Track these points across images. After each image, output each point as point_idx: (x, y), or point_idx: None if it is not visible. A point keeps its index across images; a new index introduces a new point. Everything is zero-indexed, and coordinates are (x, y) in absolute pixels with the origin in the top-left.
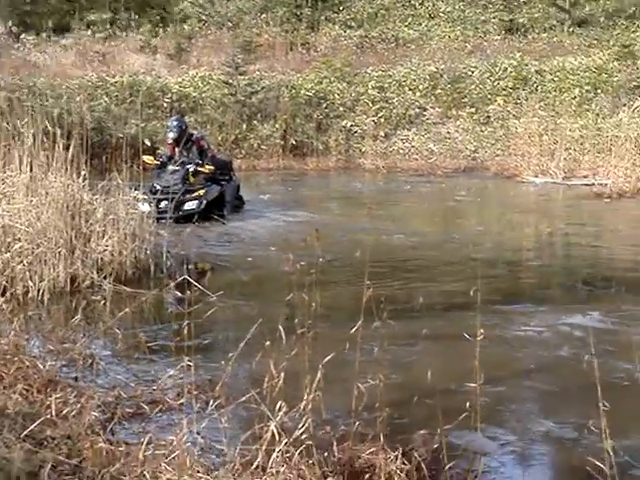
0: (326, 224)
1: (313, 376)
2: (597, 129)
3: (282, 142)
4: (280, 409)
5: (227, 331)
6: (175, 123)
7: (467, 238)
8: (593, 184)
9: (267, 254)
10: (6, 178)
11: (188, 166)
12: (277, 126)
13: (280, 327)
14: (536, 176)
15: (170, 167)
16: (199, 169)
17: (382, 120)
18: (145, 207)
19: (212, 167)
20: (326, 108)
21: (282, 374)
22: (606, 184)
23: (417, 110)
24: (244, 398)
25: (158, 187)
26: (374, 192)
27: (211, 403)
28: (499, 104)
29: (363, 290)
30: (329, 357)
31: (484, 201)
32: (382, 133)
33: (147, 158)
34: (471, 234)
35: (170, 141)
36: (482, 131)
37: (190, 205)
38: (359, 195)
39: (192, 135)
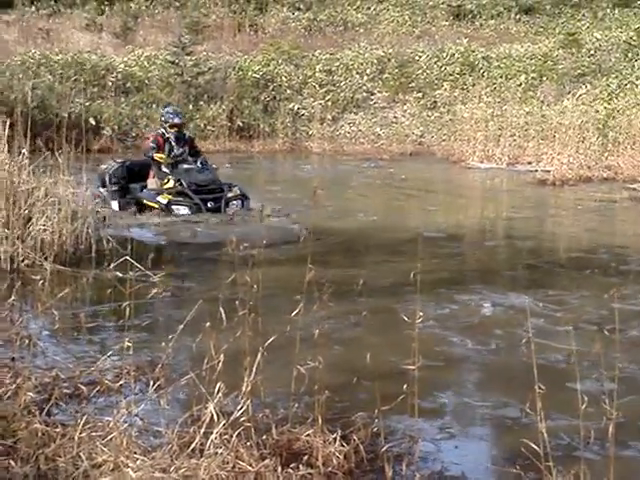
0: (271, 207)
1: (253, 358)
2: (542, 116)
3: (229, 124)
4: (219, 391)
5: (168, 312)
6: (178, 109)
7: (412, 221)
8: (537, 171)
9: (211, 235)
10: None
11: (211, 164)
12: (224, 107)
13: (221, 308)
14: (481, 162)
15: (185, 165)
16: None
17: (329, 103)
18: (184, 210)
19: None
20: (273, 90)
21: (222, 356)
22: (549, 171)
23: (364, 94)
24: (184, 380)
25: (187, 186)
26: (320, 175)
27: (151, 385)
28: (446, 89)
29: (306, 271)
30: (270, 339)
31: (429, 185)
32: (329, 116)
33: (158, 156)
34: (416, 217)
35: (177, 121)
36: (429, 116)
37: (235, 204)
38: (305, 178)
39: (185, 134)
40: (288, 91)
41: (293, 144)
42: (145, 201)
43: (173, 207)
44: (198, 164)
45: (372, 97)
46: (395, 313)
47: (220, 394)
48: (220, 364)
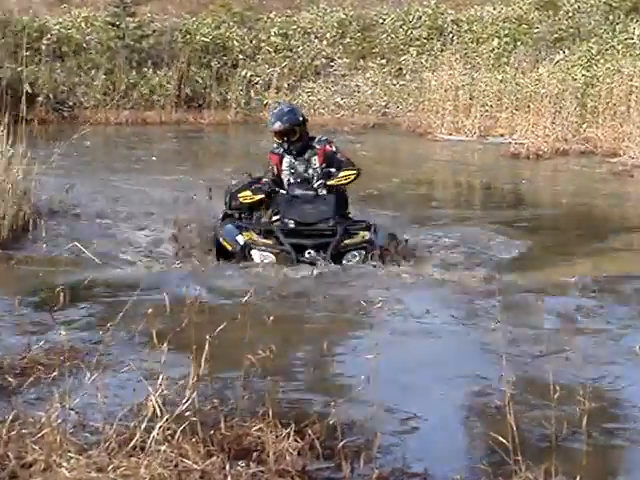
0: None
1: (200, 347)
2: (516, 84)
3: (176, 92)
4: (162, 383)
5: (107, 298)
6: (284, 107)
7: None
8: (510, 143)
9: (154, 214)
10: None
11: (329, 182)
12: (170, 74)
13: (165, 295)
14: (450, 134)
15: (298, 191)
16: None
17: (286, 71)
18: (267, 259)
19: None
20: (225, 56)
21: (166, 345)
22: (523, 144)
23: (324, 60)
24: (123, 370)
25: (291, 224)
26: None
27: (87, 376)
28: (412, 55)
29: None
30: (219, 328)
31: (395, 159)
32: (286, 85)
33: (243, 195)
34: (384, 190)
35: (277, 127)
36: (394, 84)
37: (354, 257)
38: (259, 152)
39: (313, 138)
40: (241, 57)
41: (247, 115)
42: (221, 239)
43: (252, 252)
44: (320, 190)
45: (332, 64)
46: (354, 297)
47: (163, 386)
48: (164, 354)
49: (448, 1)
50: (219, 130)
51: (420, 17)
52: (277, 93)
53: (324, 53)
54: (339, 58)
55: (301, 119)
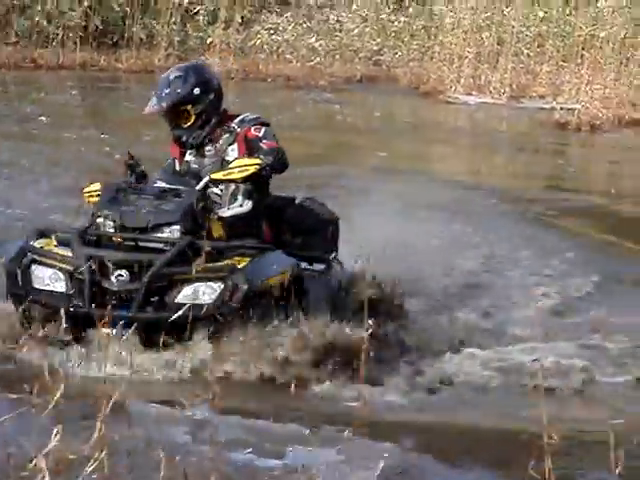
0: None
1: None
2: (564, 23)
3: (82, 23)
4: None
5: None
6: (173, 76)
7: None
8: (554, 109)
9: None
10: None
11: (212, 175)
12: None
13: None
14: (469, 94)
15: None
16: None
17: None
18: (48, 278)
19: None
20: None
21: None
22: (573, 109)
23: None
24: None
25: (109, 226)
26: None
27: None
28: None
29: None
30: None
31: (389, 128)
32: (238, 18)
33: (90, 191)
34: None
35: (155, 108)
36: (391, 21)
37: (202, 294)
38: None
39: (234, 118)
40: None
41: (181, 58)
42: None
43: (33, 268)
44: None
45: None
46: None
47: None
48: None
49: None
50: (142, 80)
51: None
52: (225, 29)
53: None
54: None
55: (199, 91)
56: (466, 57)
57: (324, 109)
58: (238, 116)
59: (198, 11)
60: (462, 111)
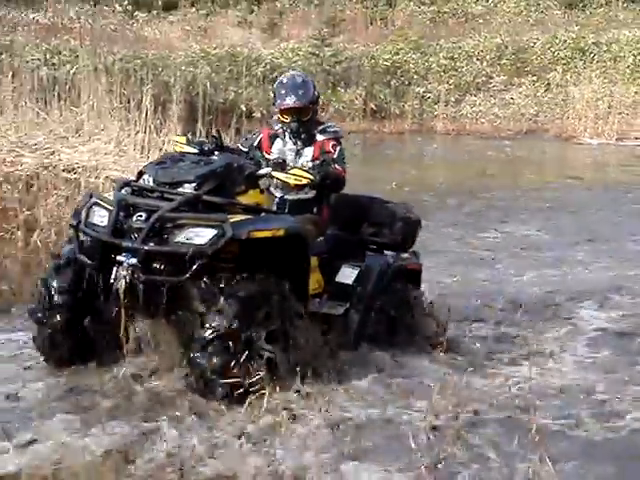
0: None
1: None
2: None
3: (363, 106)
4: None
5: None
6: (299, 80)
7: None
8: None
9: None
10: (124, 137)
11: (272, 173)
12: (358, 92)
13: None
14: (591, 138)
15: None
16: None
17: (452, 87)
18: (104, 216)
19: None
20: (402, 76)
21: None
22: None
23: (484, 78)
24: None
25: (149, 181)
26: (444, 153)
27: None
28: (558, 72)
29: None
30: None
31: (545, 159)
32: (452, 98)
33: (177, 141)
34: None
35: (292, 105)
36: (543, 97)
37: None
38: (432, 157)
39: (320, 124)
40: (415, 76)
41: (420, 124)
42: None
43: (94, 208)
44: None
45: (491, 80)
46: None
47: None
48: None
49: (589, 26)
50: (398, 139)
51: (565, 40)
52: (445, 106)
53: (484, 72)
54: (497, 76)
55: (317, 95)
56: (588, 116)
57: (502, 149)
58: (323, 124)
59: (429, 96)
60: (587, 148)
